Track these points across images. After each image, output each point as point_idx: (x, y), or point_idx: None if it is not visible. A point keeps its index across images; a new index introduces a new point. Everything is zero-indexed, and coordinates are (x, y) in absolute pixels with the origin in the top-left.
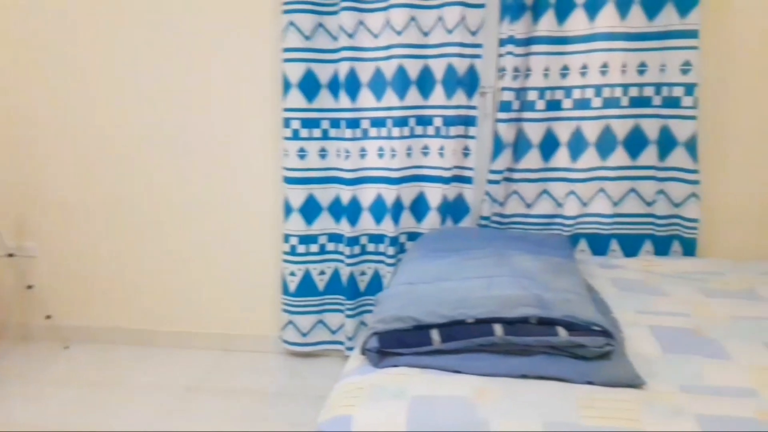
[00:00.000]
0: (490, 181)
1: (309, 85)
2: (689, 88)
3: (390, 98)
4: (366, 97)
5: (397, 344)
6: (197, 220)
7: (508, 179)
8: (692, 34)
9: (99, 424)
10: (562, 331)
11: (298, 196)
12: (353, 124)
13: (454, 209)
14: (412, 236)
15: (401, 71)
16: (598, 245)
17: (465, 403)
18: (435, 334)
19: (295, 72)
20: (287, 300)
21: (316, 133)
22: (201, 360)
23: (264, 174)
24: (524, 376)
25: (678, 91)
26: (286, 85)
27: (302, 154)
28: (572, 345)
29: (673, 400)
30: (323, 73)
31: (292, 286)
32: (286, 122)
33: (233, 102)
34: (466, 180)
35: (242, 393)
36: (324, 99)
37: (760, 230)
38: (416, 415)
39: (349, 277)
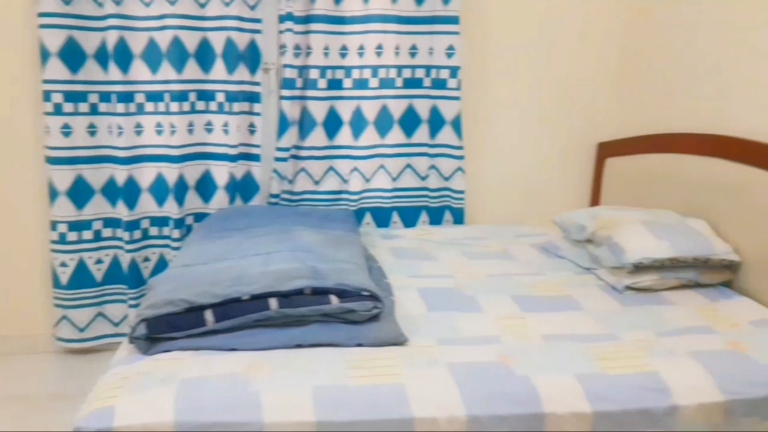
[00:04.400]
0: (278, 159)
1: (72, 55)
2: (454, 71)
3: (167, 71)
4: (139, 70)
5: (169, 329)
6: None
7: (295, 157)
8: (454, 20)
9: None
10: (334, 299)
11: (64, 177)
12: (126, 98)
13: (243, 187)
14: (199, 217)
15: (177, 43)
16: (381, 218)
17: (236, 380)
18: (209, 315)
19: (54, 40)
20: (59, 293)
21: (83, 107)
22: None
23: (24, 154)
24: (299, 346)
25: (444, 74)
26: (44, 55)
27: (67, 131)
28: (343, 311)
29: (430, 353)
30: (88, 42)
31: (64, 278)
32: (47, 95)
33: None
34: (254, 158)
35: (7, 400)
36: (91, 70)
37: (517, 198)
38: (184, 398)
39: (130, 265)
